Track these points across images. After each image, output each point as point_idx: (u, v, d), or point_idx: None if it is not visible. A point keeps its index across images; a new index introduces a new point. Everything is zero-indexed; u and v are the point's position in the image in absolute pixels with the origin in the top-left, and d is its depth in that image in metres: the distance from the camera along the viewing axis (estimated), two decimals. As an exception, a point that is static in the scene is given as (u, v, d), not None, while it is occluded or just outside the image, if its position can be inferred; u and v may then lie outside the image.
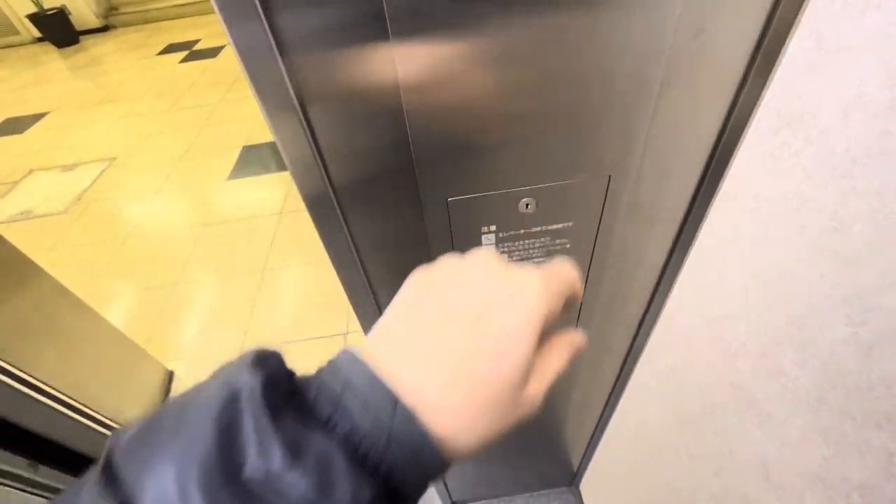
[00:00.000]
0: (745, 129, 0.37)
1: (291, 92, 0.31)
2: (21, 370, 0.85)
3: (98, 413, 1.07)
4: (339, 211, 0.41)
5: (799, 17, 0.30)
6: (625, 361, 0.70)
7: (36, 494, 0.83)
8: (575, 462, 1.14)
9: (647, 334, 0.62)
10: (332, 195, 0.39)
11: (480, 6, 0.29)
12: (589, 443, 1.04)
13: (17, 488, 0.80)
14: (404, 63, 0.31)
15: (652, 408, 0.66)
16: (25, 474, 0.81)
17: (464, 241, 0.45)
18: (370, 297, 0.51)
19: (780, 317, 0.35)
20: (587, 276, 0.52)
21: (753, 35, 0.32)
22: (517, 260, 0.48)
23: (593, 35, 0.31)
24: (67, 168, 2.94)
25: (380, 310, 0.53)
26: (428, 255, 0.47)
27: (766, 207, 0.35)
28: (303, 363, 0.23)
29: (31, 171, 2.93)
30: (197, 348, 1.70)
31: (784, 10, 0.30)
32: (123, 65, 4.44)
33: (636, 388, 0.72)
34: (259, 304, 1.80)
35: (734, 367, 0.42)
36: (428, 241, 0.45)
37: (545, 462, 1.15)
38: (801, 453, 0.35)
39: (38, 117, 3.70)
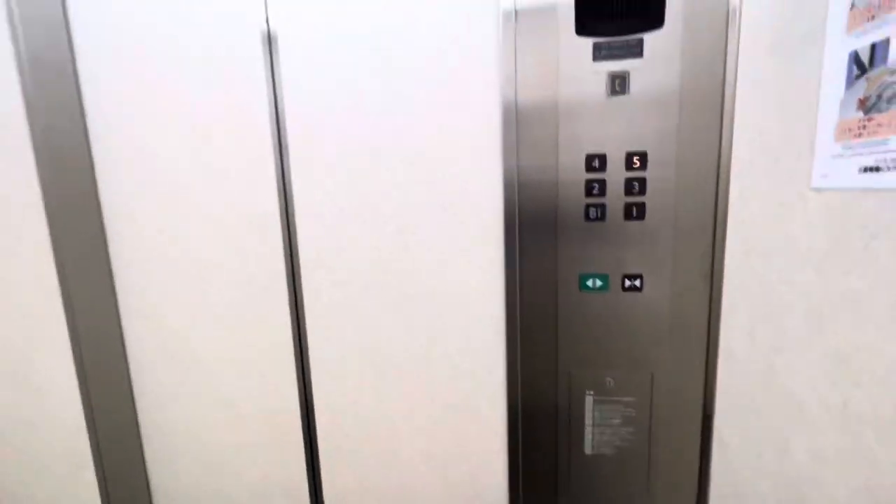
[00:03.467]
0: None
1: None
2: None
3: None
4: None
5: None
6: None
7: None
8: None
9: None
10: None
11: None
12: None
13: None
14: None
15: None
16: None
17: (576, 400, 0.88)
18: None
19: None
20: (649, 437, 0.88)
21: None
22: (608, 420, 0.88)
23: (634, 309, 0.81)
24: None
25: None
26: (556, 406, 0.88)
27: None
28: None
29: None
30: None
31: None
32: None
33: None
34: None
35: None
36: (557, 406, 0.88)
37: None
38: None
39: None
